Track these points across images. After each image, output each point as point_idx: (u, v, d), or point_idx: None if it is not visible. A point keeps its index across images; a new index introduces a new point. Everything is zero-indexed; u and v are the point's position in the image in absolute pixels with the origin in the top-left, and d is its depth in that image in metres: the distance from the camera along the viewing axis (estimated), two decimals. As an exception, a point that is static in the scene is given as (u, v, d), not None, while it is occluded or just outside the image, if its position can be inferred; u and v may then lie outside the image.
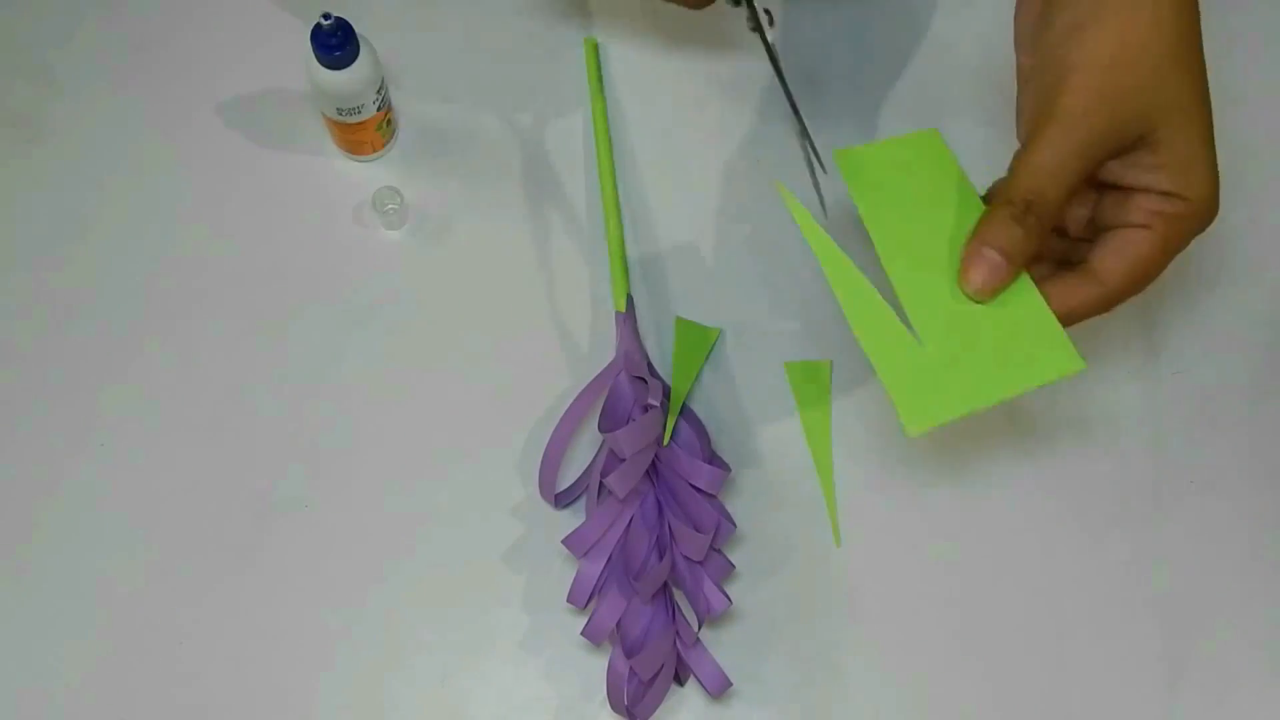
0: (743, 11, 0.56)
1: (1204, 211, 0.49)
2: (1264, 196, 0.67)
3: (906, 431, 0.47)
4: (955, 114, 0.66)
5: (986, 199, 0.52)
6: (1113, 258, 0.49)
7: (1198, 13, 0.48)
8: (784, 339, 0.63)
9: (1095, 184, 0.51)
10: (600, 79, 0.67)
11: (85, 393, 0.61)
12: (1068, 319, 0.50)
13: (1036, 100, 0.48)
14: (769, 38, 0.55)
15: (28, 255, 0.63)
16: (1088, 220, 0.52)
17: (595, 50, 0.67)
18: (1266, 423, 0.63)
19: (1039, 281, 0.50)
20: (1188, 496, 0.62)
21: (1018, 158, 0.48)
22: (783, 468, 0.61)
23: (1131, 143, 0.48)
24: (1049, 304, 0.49)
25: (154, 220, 0.64)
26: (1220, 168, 0.49)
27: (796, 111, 0.54)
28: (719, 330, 0.63)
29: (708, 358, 0.63)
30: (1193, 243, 0.65)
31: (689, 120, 0.67)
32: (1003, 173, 0.50)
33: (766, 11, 0.55)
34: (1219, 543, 0.61)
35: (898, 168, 0.52)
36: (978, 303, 0.49)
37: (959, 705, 0.59)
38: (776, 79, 0.55)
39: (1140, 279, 0.49)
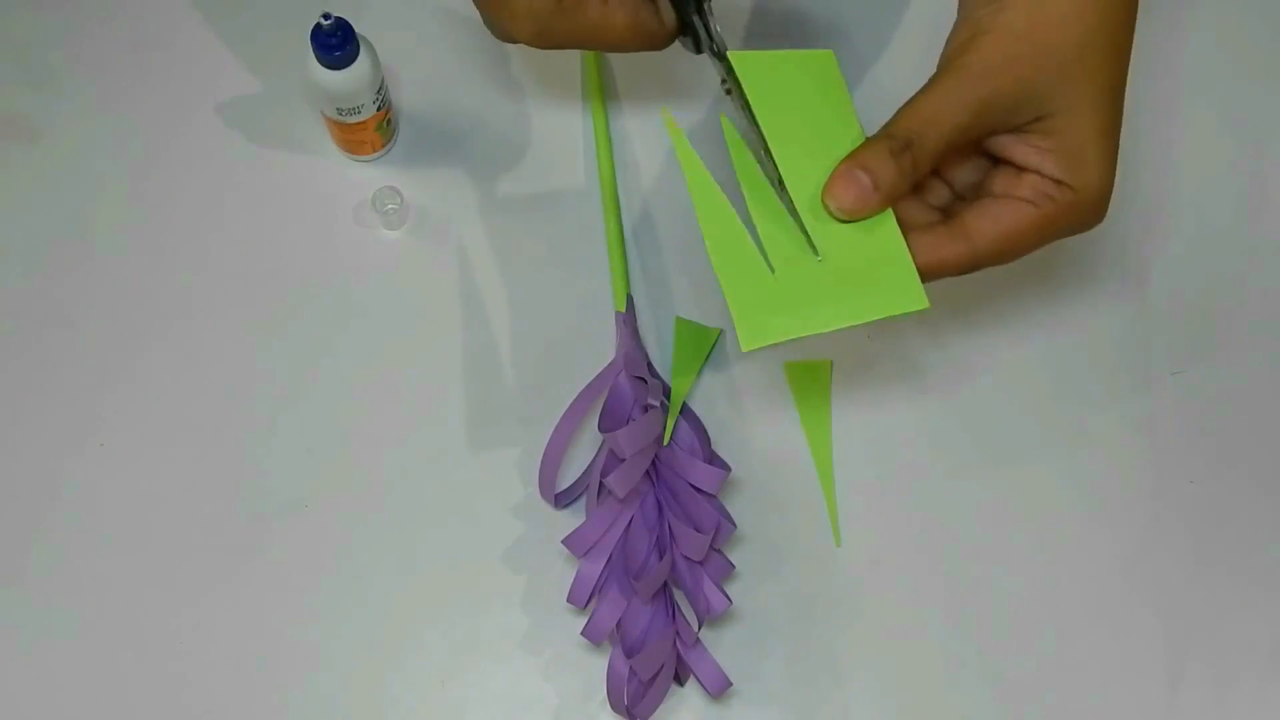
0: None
1: (1089, 207, 0.49)
2: (1264, 197, 0.67)
3: (742, 346, 0.48)
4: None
5: None
6: (987, 221, 0.49)
7: (1131, 11, 0.48)
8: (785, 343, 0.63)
9: (988, 154, 0.51)
10: (600, 79, 0.67)
11: (85, 393, 0.61)
12: (930, 271, 0.49)
13: (943, 56, 0.49)
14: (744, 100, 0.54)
15: (28, 255, 0.63)
16: (974, 185, 0.52)
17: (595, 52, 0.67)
18: (1266, 423, 0.63)
19: (910, 230, 0.50)
20: (1188, 496, 0.62)
21: (911, 100, 0.48)
22: (783, 468, 0.61)
23: (1028, 120, 0.48)
24: (916, 253, 0.49)
25: (154, 220, 0.64)
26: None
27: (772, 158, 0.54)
28: (719, 330, 0.63)
29: (708, 358, 0.63)
30: (1193, 244, 0.66)
31: (689, 119, 0.67)
32: None
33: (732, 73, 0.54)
34: (1219, 543, 0.61)
35: (789, 81, 0.52)
36: (839, 221, 0.49)
37: (959, 705, 0.59)
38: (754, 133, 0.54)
39: (1009, 249, 0.50)
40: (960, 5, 0.51)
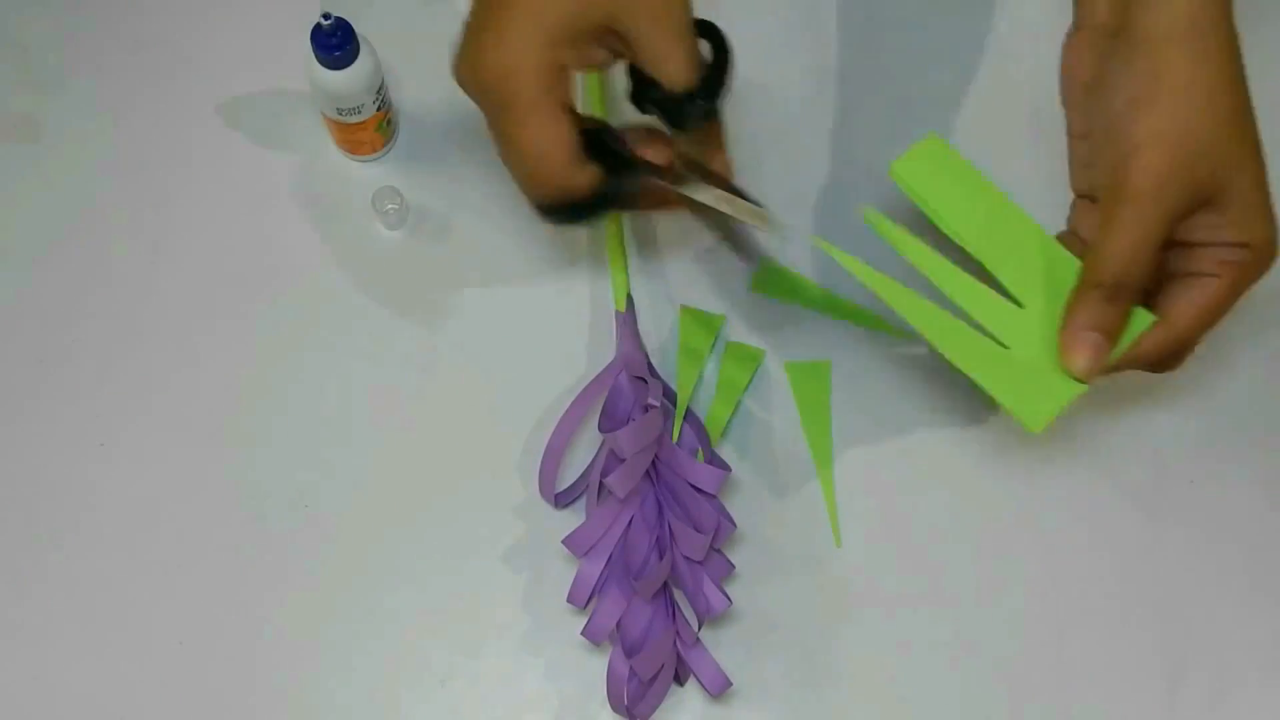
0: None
1: (1268, 255, 0.50)
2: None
3: (1032, 430, 0.50)
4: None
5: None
6: (1183, 303, 0.51)
7: (1243, 66, 0.49)
8: (784, 339, 0.63)
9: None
10: (600, 79, 0.67)
11: (85, 393, 0.61)
12: (1137, 361, 0.51)
13: (1104, 177, 0.49)
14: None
15: (28, 255, 0.63)
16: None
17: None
18: (1266, 423, 0.63)
19: None
20: (1188, 496, 0.62)
21: (1100, 240, 0.49)
22: (783, 468, 0.61)
23: (1199, 206, 0.49)
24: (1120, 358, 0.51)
25: (154, 220, 0.64)
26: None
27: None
28: (723, 317, 0.63)
29: (712, 347, 0.63)
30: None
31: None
32: (1058, 206, 0.53)
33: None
34: (1219, 543, 0.61)
35: (934, 177, 0.54)
36: (1082, 383, 0.51)
37: (958, 705, 0.59)
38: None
39: (1208, 322, 0.51)
40: (1074, 101, 0.52)
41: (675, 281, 0.64)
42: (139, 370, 0.62)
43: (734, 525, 0.58)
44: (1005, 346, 0.51)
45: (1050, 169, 0.55)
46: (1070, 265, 0.52)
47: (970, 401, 0.63)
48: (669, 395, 0.61)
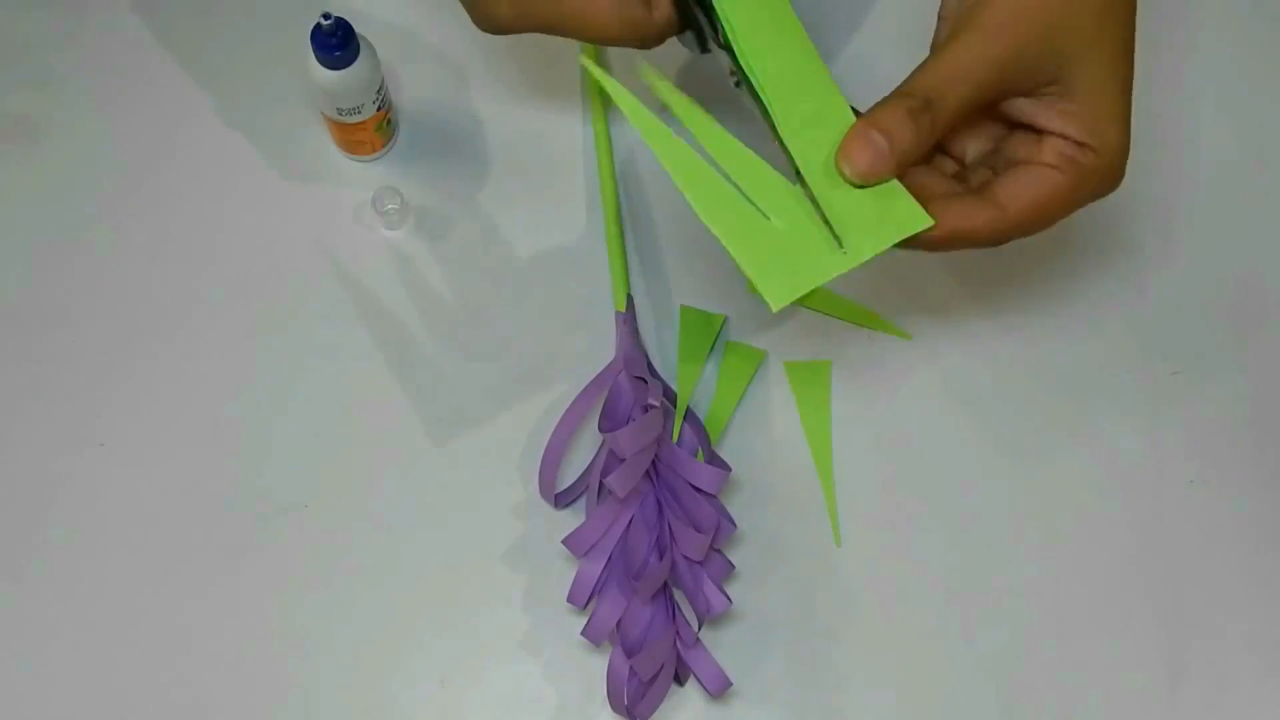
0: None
1: (1112, 169, 0.48)
2: (1264, 196, 0.67)
3: (771, 308, 0.46)
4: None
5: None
6: (1018, 187, 0.48)
7: None
8: (784, 339, 0.63)
9: (1006, 121, 0.50)
10: (596, 54, 0.66)
11: (85, 393, 0.61)
12: (960, 238, 0.48)
13: (957, 12, 0.47)
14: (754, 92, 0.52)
15: (28, 255, 0.63)
16: (985, 156, 0.51)
17: (595, 50, 0.67)
18: (1266, 422, 0.63)
19: (931, 198, 0.48)
20: (1188, 496, 0.62)
21: (929, 58, 0.47)
22: (783, 468, 0.61)
23: (1047, 79, 0.47)
24: (944, 220, 0.48)
25: (154, 220, 0.64)
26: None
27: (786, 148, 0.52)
28: (724, 316, 0.63)
29: (713, 346, 0.63)
30: (1192, 244, 0.66)
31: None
32: None
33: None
34: (1219, 543, 0.61)
35: (763, 25, 0.51)
36: (853, 185, 0.47)
37: (959, 705, 0.59)
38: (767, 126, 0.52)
39: (1042, 216, 0.48)
40: None
41: (675, 281, 0.64)
42: (139, 370, 0.62)
43: (734, 525, 0.58)
44: (766, 217, 0.48)
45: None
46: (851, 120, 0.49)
47: (970, 401, 0.63)
48: (669, 395, 0.61)
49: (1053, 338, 0.64)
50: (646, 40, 0.52)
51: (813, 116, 0.49)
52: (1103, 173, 0.48)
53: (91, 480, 0.60)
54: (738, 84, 0.51)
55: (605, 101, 0.66)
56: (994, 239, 0.49)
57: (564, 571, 0.59)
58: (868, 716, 0.58)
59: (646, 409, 0.56)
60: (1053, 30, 0.46)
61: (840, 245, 0.47)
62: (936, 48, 0.48)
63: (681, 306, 0.63)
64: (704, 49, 0.53)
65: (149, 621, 0.58)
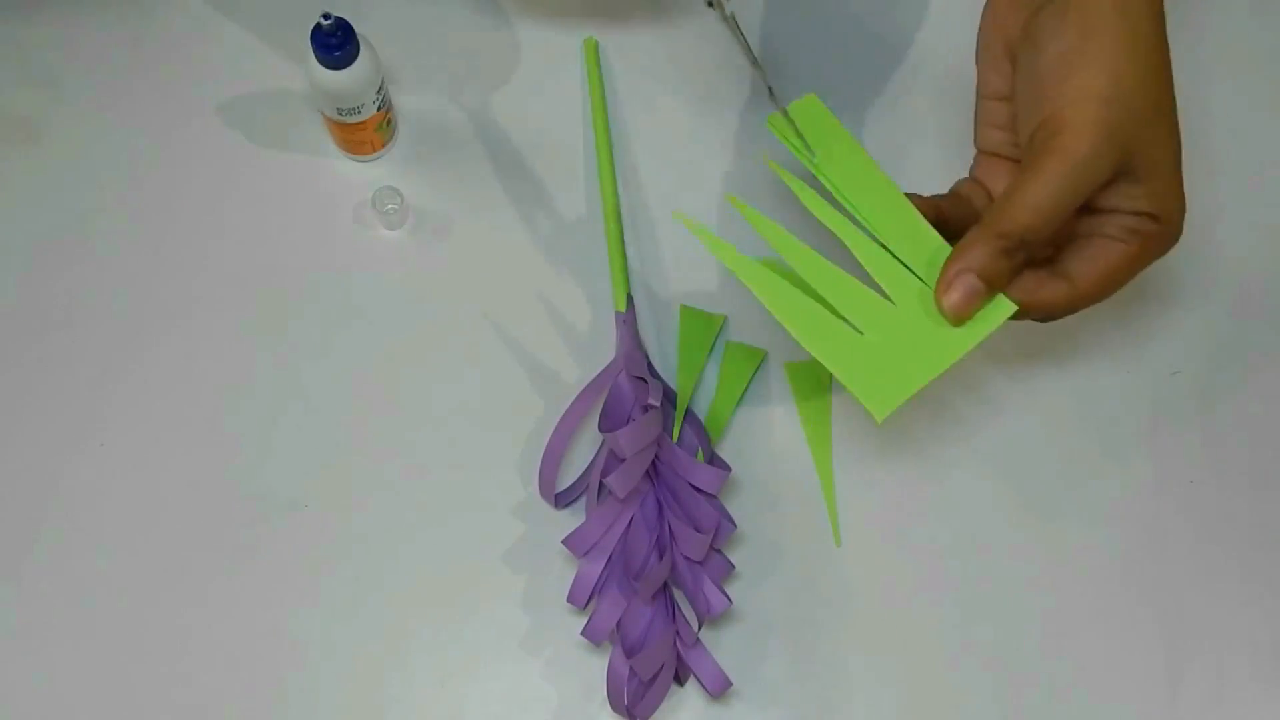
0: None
1: (1174, 232, 0.51)
2: (1263, 194, 0.67)
3: (877, 420, 0.49)
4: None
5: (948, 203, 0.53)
6: (1087, 264, 0.50)
7: (1167, 40, 0.49)
8: (784, 339, 0.63)
9: None
10: (600, 79, 0.67)
11: (85, 393, 0.61)
12: (1033, 311, 0.51)
13: (1029, 130, 0.49)
14: (737, 28, 0.54)
15: (28, 255, 0.63)
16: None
17: (595, 50, 0.67)
18: (1266, 423, 0.63)
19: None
20: (1188, 496, 0.62)
21: (1016, 191, 0.48)
22: (783, 468, 0.61)
23: (1121, 174, 0.49)
24: (1015, 294, 0.50)
25: (154, 220, 0.64)
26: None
27: (756, 63, 0.54)
28: (724, 316, 0.63)
29: (712, 347, 0.63)
30: (1192, 244, 0.66)
31: (688, 119, 0.67)
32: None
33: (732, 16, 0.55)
34: (1219, 543, 0.61)
35: (812, 135, 0.54)
36: (951, 323, 0.50)
37: (959, 705, 0.59)
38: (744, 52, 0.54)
39: (1108, 286, 0.51)
40: (993, 59, 0.52)
41: (675, 281, 0.64)
42: (139, 370, 0.62)
43: (734, 525, 0.58)
44: (860, 332, 0.50)
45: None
46: (937, 244, 0.51)
47: (970, 401, 0.63)
48: (669, 395, 0.61)
49: (1052, 337, 0.64)
50: None
51: (897, 231, 0.52)
52: (1166, 238, 0.50)
53: (91, 480, 0.60)
54: (771, 94, 0.54)
55: (605, 101, 0.66)
56: (1067, 310, 0.51)
57: (564, 571, 0.59)
58: (868, 716, 0.58)
59: (646, 409, 0.56)
60: (1128, 139, 0.47)
61: (932, 346, 0.50)
62: (1024, 173, 0.48)
63: (681, 306, 0.63)
64: (709, 3, 0.55)
65: (149, 621, 0.58)
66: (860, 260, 0.51)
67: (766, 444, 0.62)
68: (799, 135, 0.54)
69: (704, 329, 0.63)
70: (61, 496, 0.60)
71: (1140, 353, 0.64)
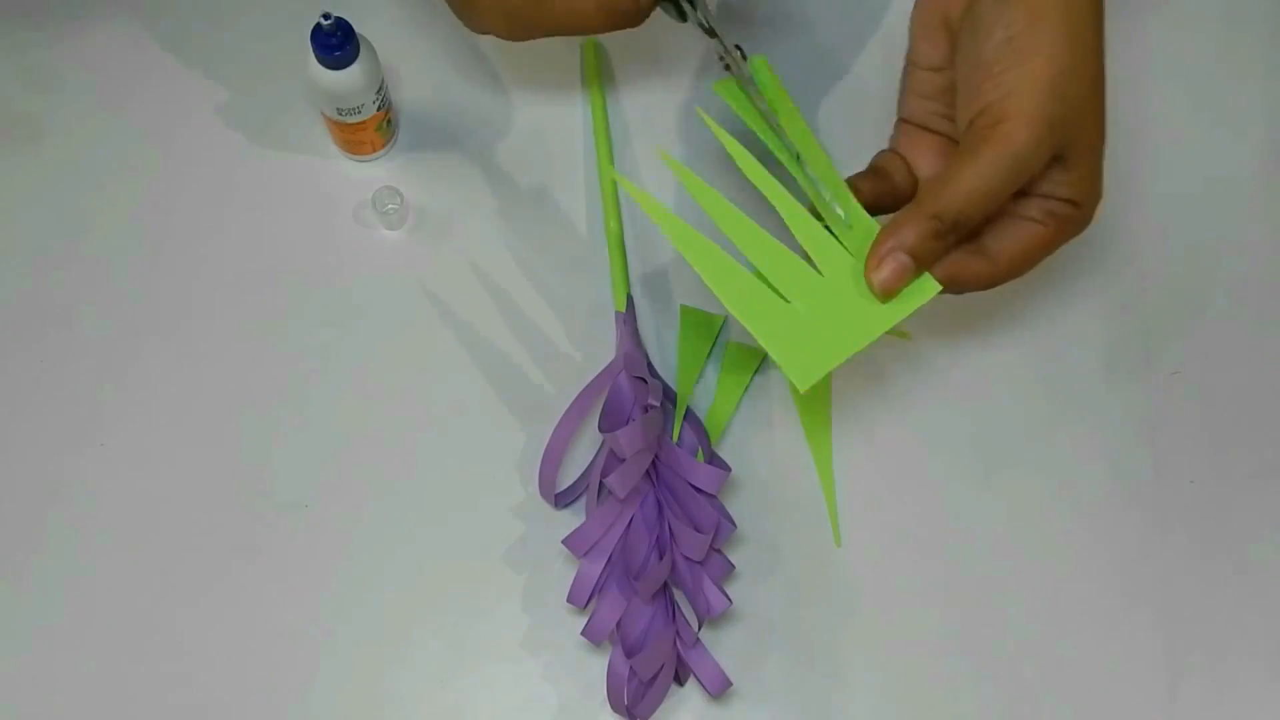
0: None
1: (1088, 218, 0.52)
2: (1262, 194, 0.67)
3: (799, 388, 0.49)
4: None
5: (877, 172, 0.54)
6: (1006, 243, 0.51)
7: (1103, 32, 0.50)
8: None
9: None
10: (600, 79, 0.67)
11: (85, 393, 0.61)
12: (953, 285, 0.51)
13: (970, 113, 0.49)
14: (742, 71, 0.55)
15: (28, 255, 0.63)
16: None
17: (595, 50, 0.67)
18: (1266, 423, 0.63)
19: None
20: (1188, 496, 0.62)
21: (953, 175, 0.49)
22: (783, 468, 0.61)
23: (1054, 162, 0.49)
24: (938, 270, 0.51)
25: (154, 220, 0.64)
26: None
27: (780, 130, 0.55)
28: (723, 317, 0.63)
29: (713, 347, 0.63)
30: (1190, 245, 0.66)
31: (690, 119, 0.67)
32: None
33: (738, 47, 0.55)
34: (1219, 543, 0.61)
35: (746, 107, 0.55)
36: (880, 299, 0.50)
37: (959, 705, 0.59)
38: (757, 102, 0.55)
39: (1025, 266, 0.52)
40: (931, 33, 0.52)
41: (675, 281, 0.64)
42: (139, 370, 0.62)
43: (734, 525, 0.58)
44: (787, 301, 0.50)
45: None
46: (866, 220, 0.52)
47: (970, 401, 0.63)
48: (669, 395, 0.61)
49: (1052, 337, 0.64)
50: (633, 22, 0.55)
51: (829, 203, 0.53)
52: (1081, 223, 0.51)
53: (91, 480, 0.60)
54: (726, 68, 0.54)
55: (605, 100, 0.66)
56: (986, 286, 0.52)
57: (564, 571, 0.59)
58: (868, 716, 0.58)
59: (646, 409, 0.56)
60: (1064, 123, 0.48)
61: (858, 320, 0.50)
62: (962, 156, 0.49)
63: (681, 306, 0.63)
64: (682, 18, 0.55)
65: (149, 621, 0.58)
66: (790, 228, 0.52)
67: (766, 444, 0.62)
68: (747, 96, 0.54)
69: (704, 329, 0.63)
70: (61, 496, 0.60)
71: (1140, 353, 0.64)
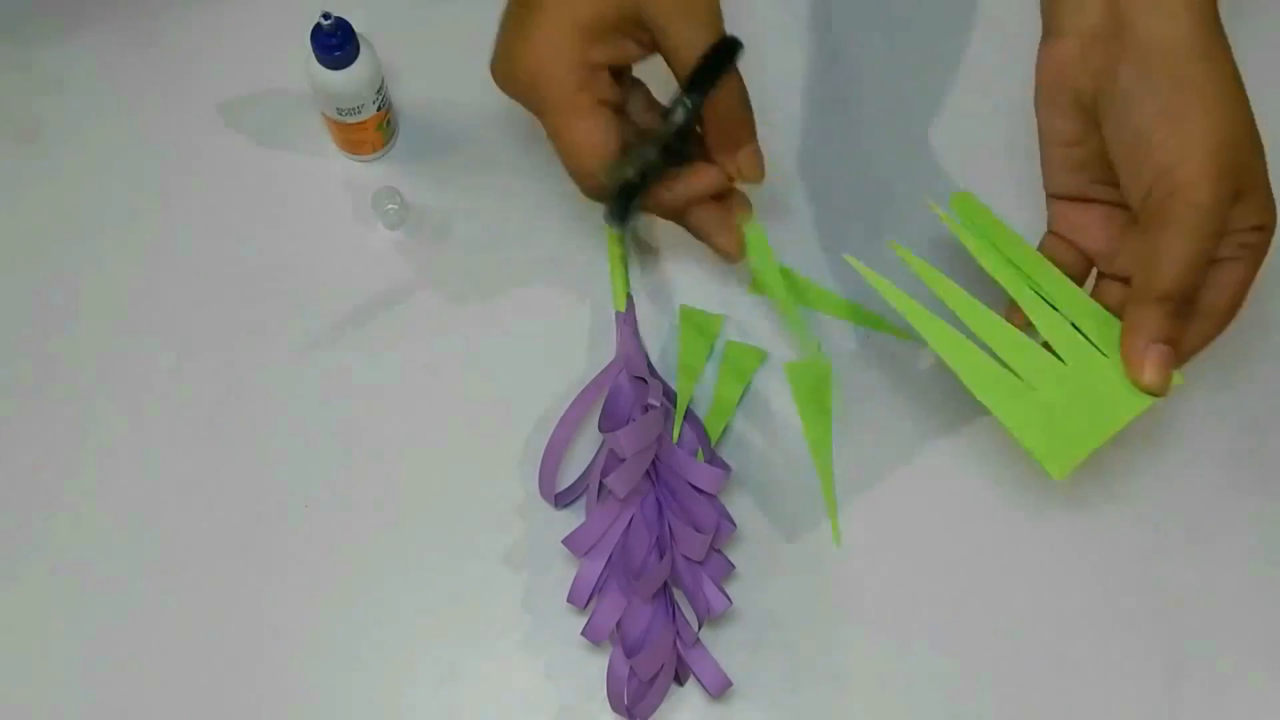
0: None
1: (1272, 234, 0.52)
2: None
3: (1055, 477, 0.50)
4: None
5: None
6: (1215, 293, 0.51)
7: (1239, 71, 0.50)
8: (784, 339, 0.63)
9: None
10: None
11: (85, 393, 0.61)
12: (1185, 357, 0.52)
13: (1140, 187, 0.50)
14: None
15: (28, 255, 0.63)
16: None
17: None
18: (1266, 423, 0.63)
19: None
20: (1188, 497, 0.62)
21: (1159, 253, 0.49)
22: (783, 468, 0.61)
23: (1235, 204, 0.50)
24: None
25: (154, 220, 0.64)
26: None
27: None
28: (723, 317, 0.63)
29: (712, 347, 0.63)
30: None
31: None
32: (1031, 221, 0.54)
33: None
34: (1219, 543, 0.61)
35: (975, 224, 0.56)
36: (1153, 396, 0.51)
37: (959, 705, 0.59)
38: None
39: (1238, 305, 0.52)
40: (1056, 105, 0.52)
41: (675, 281, 0.64)
42: (139, 370, 0.62)
43: (734, 525, 0.58)
44: (1032, 388, 0.51)
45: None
46: (1105, 319, 0.52)
47: (970, 402, 0.63)
48: (669, 395, 0.61)
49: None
50: (595, 176, 0.54)
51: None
52: (1269, 241, 0.51)
53: (91, 480, 0.60)
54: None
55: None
56: (1210, 340, 0.52)
57: (564, 571, 0.59)
58: (867, 716, 0.58)
59: (646, 409, 0.56)
60: (1235, 171, 0.49)
61: (1105, 404, 0.51)
62: (1155, 236, 0.49)
63: (681, 306, 0.63)
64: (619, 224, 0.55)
65: (149, 622, 0.58)
66: (1033, 320, 0.53)
67: (766, 444, 0.62)
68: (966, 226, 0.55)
69: (704, 329, 0.63)
70: (61, 496, 0.60)
71: (1140, 353, 0.64)
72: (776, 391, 0.63)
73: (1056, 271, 0.54)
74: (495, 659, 0.59)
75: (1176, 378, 0.51)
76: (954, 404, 0.63)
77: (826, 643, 0.59)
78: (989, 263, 0.54)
